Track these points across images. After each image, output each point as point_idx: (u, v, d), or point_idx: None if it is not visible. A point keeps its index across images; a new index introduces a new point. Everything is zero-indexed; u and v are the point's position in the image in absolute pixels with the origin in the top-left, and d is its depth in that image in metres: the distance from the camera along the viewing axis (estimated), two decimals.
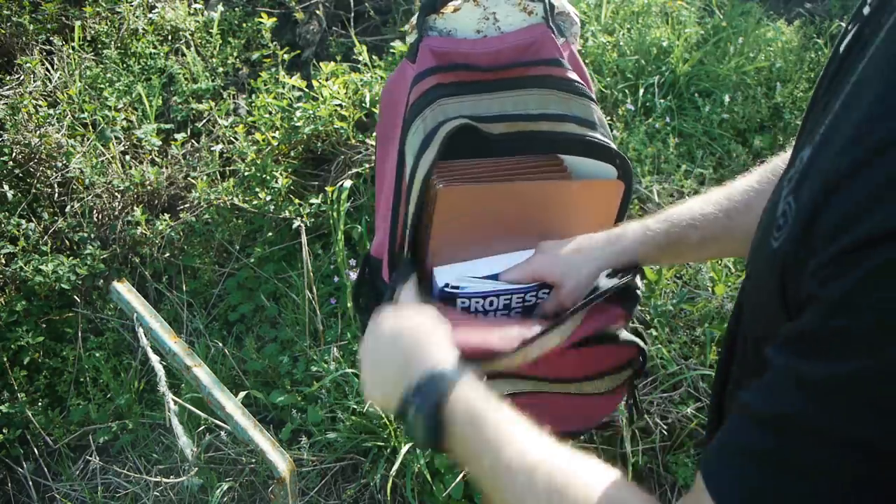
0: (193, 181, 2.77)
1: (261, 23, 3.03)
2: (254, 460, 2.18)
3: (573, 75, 1.06)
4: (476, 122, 1.04)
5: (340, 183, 2.56)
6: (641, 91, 2.95)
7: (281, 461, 1.43)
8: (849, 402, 0.51)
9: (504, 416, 0.75)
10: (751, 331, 0.70)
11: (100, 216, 2.74)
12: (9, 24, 3.15)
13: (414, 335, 0.84)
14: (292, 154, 2.78)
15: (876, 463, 0.52)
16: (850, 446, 0.52)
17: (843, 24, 0.77)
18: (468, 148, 1.04)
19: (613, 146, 1.04)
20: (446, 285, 1.06)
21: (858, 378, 0.50)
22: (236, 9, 3.41)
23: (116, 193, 2.76)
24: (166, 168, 2.83)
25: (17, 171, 2.74)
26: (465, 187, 1.03)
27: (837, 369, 0.51)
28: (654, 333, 2.28)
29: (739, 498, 0.59)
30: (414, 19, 1.14)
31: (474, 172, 1.04)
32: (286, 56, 2.96)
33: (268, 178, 2.65)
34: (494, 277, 1.03)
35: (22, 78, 2.99)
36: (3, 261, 2.54)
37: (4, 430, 2.31)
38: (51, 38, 3.16)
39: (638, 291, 1.11)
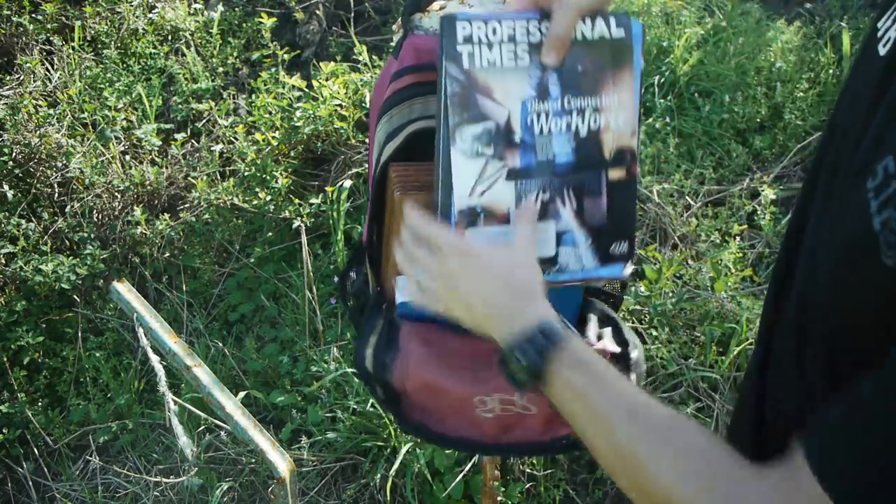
0: (193, 181, 2.77)
1: (261, 23, 3.03)
2: (254, 460, 2.18)
3: None
4: None
5: (340, 183, 2.56)
6: (641, 91, 2.95)
7: (281, 461, 1.43)
8: None
9: (609, 368, 0.79)
10: (822, 330, 0.69)
11: (100, 216, 2.74)
12: (9, 24, 3.15)
13: (526, 280, 0.87)
14: (292, 154, 2.78)
15: None
16: None
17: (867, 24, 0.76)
18: (430, 153, 1.04)
19: None
20: (405, 303, 1.06)
21: None
22: (236, 9, 3.41)
23: (116, 193, 2.76)
24: (166, 168, 2.83)
25: (17, 171, 2.74)
26: (423, 194, 1.01)
27: None
28: (654, 333, 2.28)
29: (854, 491, 0.58)
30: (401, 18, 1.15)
31: (432, 173, 1.03)
32: (286, 56, 2.96)
33: (268, 178, 2.65)
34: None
35: (22, 78, 2.99)
36: (3, 261, 2.54)
37: (4, 430, 2.31)
38: (51, 38, 3.16)
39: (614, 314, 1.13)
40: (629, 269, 1.01)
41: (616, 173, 0.98)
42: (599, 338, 1.07)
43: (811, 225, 0.74)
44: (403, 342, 1.05)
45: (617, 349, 1.07)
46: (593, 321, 1.10)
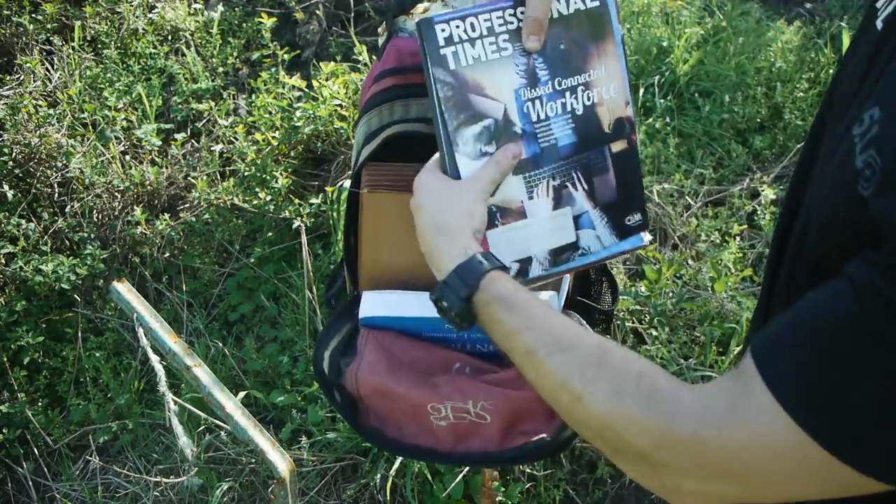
0: (193, 181, 2.77)
1: (261, 23, 3.03)
2: (254, 460, 2.18)
3: None
4: (424, 123, 1.05)
5: (340, 183, 2.56)
6: (641, 91, 2.95)
7: (281, 461, 1.43)
8: None
9: (529, 302, 0.80)
10: (811, 253, 0.74)
11: (100, 216, 2.74)
12: (9, 24, 3.15)
13: (454, 218, 0.88)
14: (292, 154, 2.78)
15: None
16: None
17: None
18: (411, 154, 1.04)
19: None
20: (367, 318, 1.06)
21: None
22: (236, 9, 3.41)
23: (116, 193, 2.76)
24: (166, 168, 2.83)
25: (17, 171, 2.74)
26: (391, 195, 1.02)
27: None
28: (654, 333, 2.28)
29: (795, 388, 0.62)
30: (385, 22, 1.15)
31: (405, 175, 1.02)
32: (286, 56, 2.96)
33: (268, 178, 2.65)
34: (424, 319, 1.00)
35: (22, 78, 2.99)
36: (3, 261, 2.54)
37: (4, 430, 2.31)
38: (51, 38, 3.16)
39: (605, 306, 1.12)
40: (647, 237, 1.02)
41: (618, 145, 0.98)
42: None
43: (812, 184, 0.78)
44: (360, 346, 1.05)
45: None
46: None
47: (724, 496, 0.68)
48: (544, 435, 1.01)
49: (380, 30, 1.19)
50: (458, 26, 0.91)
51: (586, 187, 0.97)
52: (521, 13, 0.93)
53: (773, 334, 0.66)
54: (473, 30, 0.91)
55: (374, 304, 1.07)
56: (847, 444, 0.60)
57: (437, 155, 0.94)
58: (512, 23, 0.93)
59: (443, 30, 0.90)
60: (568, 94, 0.95)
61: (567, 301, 1.13)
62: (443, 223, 0.88)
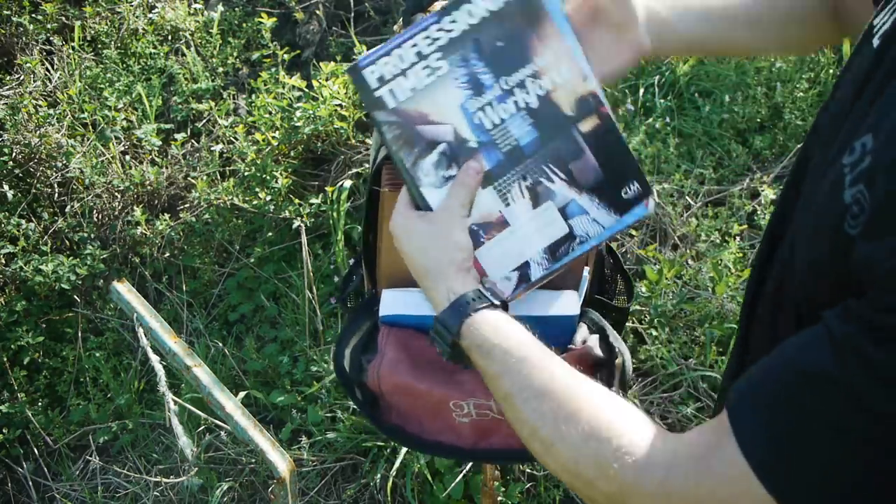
0: (193, 181, 2.77)
1: (261, 23, 3.03)
2: (254, 460, 2.18)
3: None
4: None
5: (340, 183, 2.56)
6: (641, 91, 2.95)
7: (281, 461, 1.43)
8: None
9: (510, 346, 0.80)
10: (797, 293, 0.72)
11: (100, 216, 2.74)
12: (9, 24, 3.15)
13: (437, 256, 0.88)
14: (292, 154, 2.78)
15: None
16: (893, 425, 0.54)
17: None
18: None
19: None
20: (387, 316, 1.06)
21: None
22: (236, 9, 3.41)
23: (116, 193, 2.76)
24: (166, 168, 2.83)
25: (17, 171, 2.74)
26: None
27: None
28: (654, 333, 2.28)
29: (765, 447, 0.60)
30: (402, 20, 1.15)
31: None
32: (286, 56, 2.96)
33: (268, 178, 2.65)
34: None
35: (22, 78, 2.99)
36: (3, 261, 2.54)
37: (4, 430, 2.31)
38: (51, 38, 3.16)
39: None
40: (652, 203, 0.98)
41: (587, 124, 0.95)
42: (584, 342, 1.07)
43: (796, 216, 0.76)
44: (381, 344, 1.05)
45: (601, 355, 1.06)
46: (582, 328, 1.10)
47: None
48: None
49: (395, 27, 1.19)
50: (386, 63, 0.90)
51: (563, 177, 0.95)
52: (450, 22, 0.91)
53: (749, 384, 0.64)
54: (403, 61, 0.90)
55: (394, 302, 1.07)
56: None
57: (403, 190, 0.94)
58: (439, 38, 0.91)
59: (372, 72, 0.90)
60: (517, 90, 0.93)
61: (586, 299, 1.12)
62: (426, 267, 0.88)
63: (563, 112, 0.94)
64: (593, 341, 1.07)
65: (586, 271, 1.10)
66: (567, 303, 1.06)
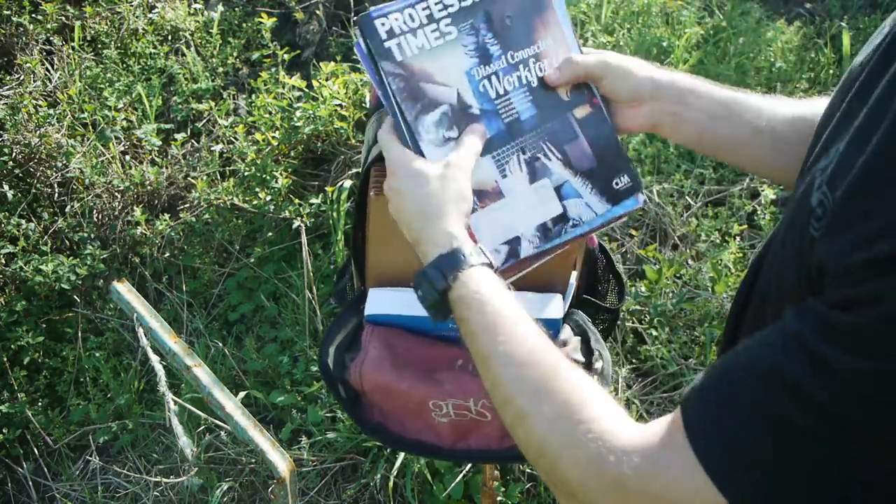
0: (193, 181, 2.77)
1: (261, 23, 3.03)
2: (254, 460, 2.18)
3: None
4: None
5: (340, 183, 2.56)
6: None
7: (281, 461, 1.43)
8: (863, 395, 0.53)
9: (502, 307, 0.78)
10: (770, 294, 0.73)
11: (100, 216, 2.74)
12: (9, 24, 3.15)
13: (439, 201, 0.85)
14: (292, 154, 2.78)
15: (866, 450, 0.55)
16: (847, 430, 0.54)
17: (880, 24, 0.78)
18: None
19: None
20: (372, 315, 1.06)
21: (880, 376, 0.53)
22: (236, 9, 3.41)
23: (116, 193, 2.76)
24: (166, 168, 2.83)
25: (17, 171, 2.74)
26: None
27: (860, 364, 0.53)
28: (654, 333, 2.28)
29: (717, 448, 0.60)
30: None
31: None
32: (286, 56, 2.96)
33: (268, 178, 2.65)
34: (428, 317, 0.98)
35: (22, 78, 2.99)
36: (3, 261, 2.54)
37: (4, 430, 2.31)
38: (51, 38, 3.16)
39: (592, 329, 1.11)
40: (642, 196, 0.99)
41: (581, 111, 0.97)
42: (564, 344, 1.06)
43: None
44: (364, 342, 1.06)
45: (579, 359, 1.06)
46: (566, 329, 1.10)
47: None
48: None
49: None
50: (396, 19, 0.91)
51: (559, 156, 0.96)
52: None
53: (703, 380, 0.64)
54: (413, 20, 0.91)
55: (379, 301, 1.07)
56: None
57: (389, 124, 0.92)
58: (452, 5, 0.92)
59: (382, 24, 0.90)
60: (521, 66, 0.95)
61: (574, 299, 1.12)
62: (431, 208, 0.85)
63: (560, 96, 0.96)
64: (574, 343, 1.08)
65: (573, 276, 1.10)
66: (552, 307, 1.06)
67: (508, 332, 0.75)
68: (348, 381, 1.06)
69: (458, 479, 2.01)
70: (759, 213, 2.58)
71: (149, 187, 2.76)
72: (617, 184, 0.98)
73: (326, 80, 2.75)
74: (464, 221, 0.86)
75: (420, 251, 0.85)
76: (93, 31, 3.25)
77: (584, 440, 0.66)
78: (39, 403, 2.38)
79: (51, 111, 2.84)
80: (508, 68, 0.94)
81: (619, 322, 2.29)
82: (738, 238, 2.53)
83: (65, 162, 2.74)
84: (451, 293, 0.80)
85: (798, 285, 0.62)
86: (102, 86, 3.02)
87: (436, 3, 0.92)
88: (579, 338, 1.09)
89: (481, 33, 0.93)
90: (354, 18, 1.05)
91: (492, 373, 0.75)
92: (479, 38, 0.93)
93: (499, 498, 1.97)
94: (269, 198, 2.63)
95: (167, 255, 2.68)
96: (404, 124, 0.91)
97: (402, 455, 2.04)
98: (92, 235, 2.67)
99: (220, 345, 2.39)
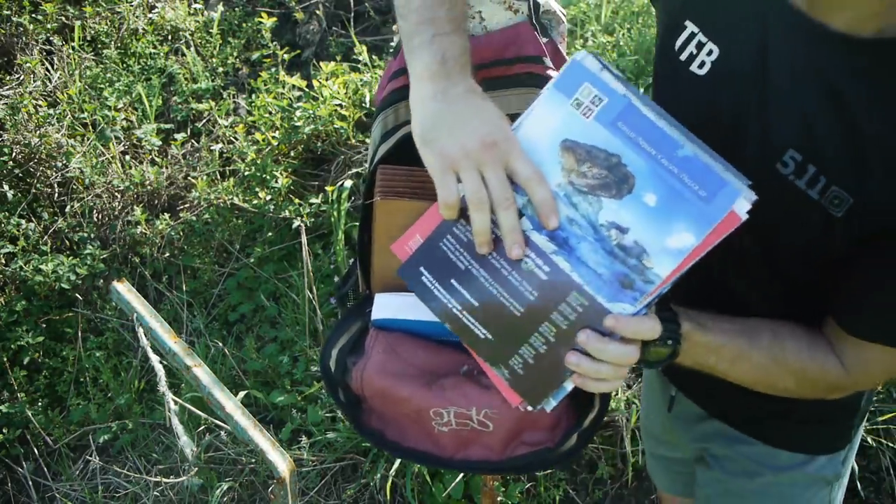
0: (193, 181, 2.77)
1: (261, 23, 3.03)
2: (254, 460, 2.18)
3: (554, 73, 1.04)
4: None
5: (340, 183, 2.56)
6: (642, 91, 2.95)
7: (281, 461, 1.43)
8: None
9: (722, 330, 0.94)
10: (786, 270, 0.94)
11: (100, 216, 2.74)
12: (9, 24, 3.15)
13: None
14: (292, 154, 2.79)
15: None
16: None
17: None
18: None
19: None
20: (378, 320, 1.05)
21: None
22: (236, 9, 3.41)
23: (116, 193, 2.76)
24: (166, 168, 2.83)
25: (17, 171, 2.74)
26: (403, 202, 0.98)
27: None
28: None
29: None
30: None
31: (417, 177, 0.99)
32: (286, 56, 2.96)
33: (268, 177, 2.65)
34: (435, 323, 0.93)
35: (22, 78, 2.99)
36: (3, 261, 2.54)
37: (4, 430, 2.31)
38: (51, 38, 3.16)
39: None
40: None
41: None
42: None
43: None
44: (368, 347, 1.04)
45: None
46: None
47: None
48: (548, 445, 1.01)
49: (395, 27, 1.18)
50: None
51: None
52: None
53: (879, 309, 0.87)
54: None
55: (386, 306, 1.06)
56: None
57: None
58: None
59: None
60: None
61: None
62: None
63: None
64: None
65: None
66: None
67: (735, 332, 0.92)
68: (349, 385, 1.05)
69: (458, 479, 2.01)
70: None
71: (149, 187, 2.76)
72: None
73: (326, 79, 2.75)
74: None
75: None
76: (93, 31, 3.25)
77: (824, 370, 0.93)
78: (39, 403, 2.38)
79: (51, 111, 2.85)
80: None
81: None
82: None
83: (65, 162, 2.74)
84: (684, 347, 0.90)
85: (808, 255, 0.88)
86: (102, 86, 3.02)
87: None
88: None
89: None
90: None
91: (742, 367, 0.93)
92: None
93: (499, 498, 1.97)
94: (269, 198, 2.63)
95: (167, 255, 2.68)
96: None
97: None
98: (92, 235, 2.67)
99: (220, 345, 2.39)
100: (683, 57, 0.90)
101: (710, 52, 0.88)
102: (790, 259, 0.91)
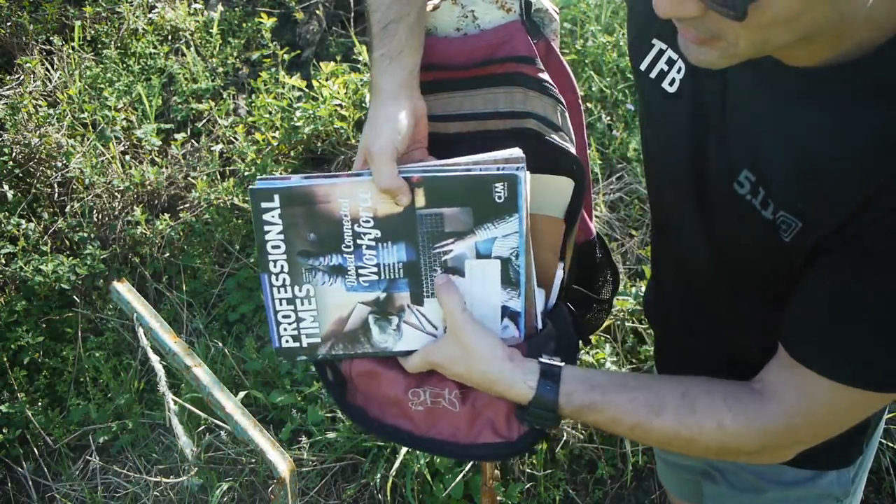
0: (193, 181, 2.77)
1: (261, 23, 3.03)
2: (254, 460, 2.18)
3: (544, 75, 1.05)
4: (443, 121, 1.05)
5: None
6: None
7: (281, 461, 1.43)
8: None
9: (608, 386, 0.94)
10: (734, 285, 0.95)
11: (100, 216, 2.74)
12: (9, 24, 3.15)
13: (485, 360, 0.96)
14: (292, 154, 2.79)
15: None
16: None
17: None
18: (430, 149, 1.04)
19: (572, 150, 1.02)
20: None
21: None
22: (236, 9, 3.41)
23: (116, 193, 2.76)
24: (166, 168, 2.83)
25: (17, 171, 2.74)
26: None
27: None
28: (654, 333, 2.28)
29: (851, 370, 0.80)
30: None
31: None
32: (286, 56, 2.96)
33: None
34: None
35: (22, 78, 2.99)
36: (3, 261, 2.54)
37: (4, 430, 2.31)
38: (51, 38, 3.16)
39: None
40: (523, 171, 1.00)
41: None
42: (549, 340, 1.07)
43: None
44: None
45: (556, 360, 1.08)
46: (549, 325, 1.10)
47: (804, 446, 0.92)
48: (507, 438, 1.05)
49: None
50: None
51: (452, 238, 0.98)
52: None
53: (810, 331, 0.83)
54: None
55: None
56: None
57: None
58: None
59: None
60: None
61: (562, 292, 1.11)
62: (484, 382, 0.96)
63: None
64: (550, 345, 1.08)
65: (559, 269, 1.08)
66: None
67: (629, 400, 0.92)
68: (338, 366, 1.09)
69: (458, 480, 2.01)
70: None
71: (149, 187, 2.76)
72: (498, 197, 0.95)
73: (326, 80, 2.75)
74: (511, 360, 0.96)
75: (516, 400, 0.97)
76: (93, 31, 3.25)
77: (748, 423, 0.88)
78: (39, 403, 2.38)
79: (51, 111, 2.84)
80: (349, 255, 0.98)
81: (618, 322, 2.29)
82: None
83: (65, 162, 2.74)
84: (564, 413, 0.95)
85: (786, 271, 0.84)
86: (102, 86, 3.02)
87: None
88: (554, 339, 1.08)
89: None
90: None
91: (645, 432, 0.92)
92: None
93: (498, 498, 1.97)
94: None
95: (167, 255, 2.68)
96: (372, 356, 1.07)
97: (401, 455, 2.04)
98: (92, 235, 2.67)
99: (220, 345, 2.39)
100: (653, 74, 0.93)
101: (679, 70, 0.90)
102: (751, 281, 0.92)
